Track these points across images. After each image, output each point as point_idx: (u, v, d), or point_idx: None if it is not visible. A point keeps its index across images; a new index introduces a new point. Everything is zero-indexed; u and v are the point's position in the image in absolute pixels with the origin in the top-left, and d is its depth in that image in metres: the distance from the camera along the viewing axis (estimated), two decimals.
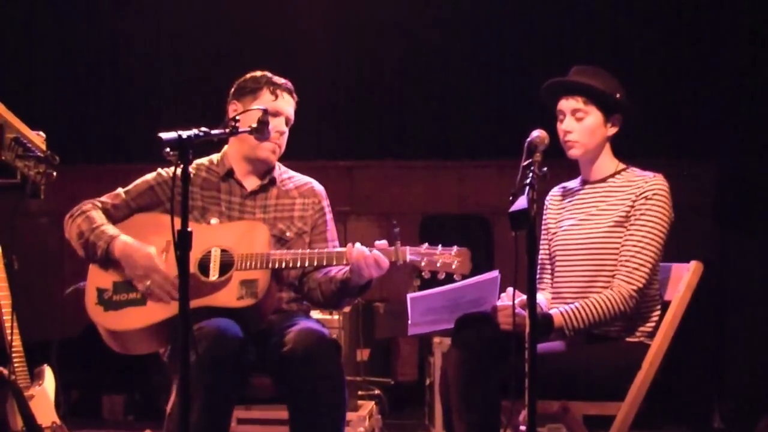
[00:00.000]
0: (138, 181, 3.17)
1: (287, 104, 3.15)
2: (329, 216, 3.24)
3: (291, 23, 6.35)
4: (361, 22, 6.36)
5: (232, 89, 3.20)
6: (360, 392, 4.68)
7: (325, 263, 2.94)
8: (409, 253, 2.85)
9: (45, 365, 3.46)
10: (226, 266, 2.94)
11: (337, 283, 3.00)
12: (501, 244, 5.78)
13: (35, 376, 3.42)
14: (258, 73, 3.17)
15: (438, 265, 2.83)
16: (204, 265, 2.95)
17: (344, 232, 5.22)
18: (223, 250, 2.96)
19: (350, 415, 3.92)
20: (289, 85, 3.19)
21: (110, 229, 3.04)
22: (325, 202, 3.24)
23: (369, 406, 4.48)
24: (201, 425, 2.67)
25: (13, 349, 3.23)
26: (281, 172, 3.24)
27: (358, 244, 2.89)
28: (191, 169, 3.08)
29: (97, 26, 6.31)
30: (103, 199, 3.15)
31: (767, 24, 5.70)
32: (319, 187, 3.26)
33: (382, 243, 2.89)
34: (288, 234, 3.12)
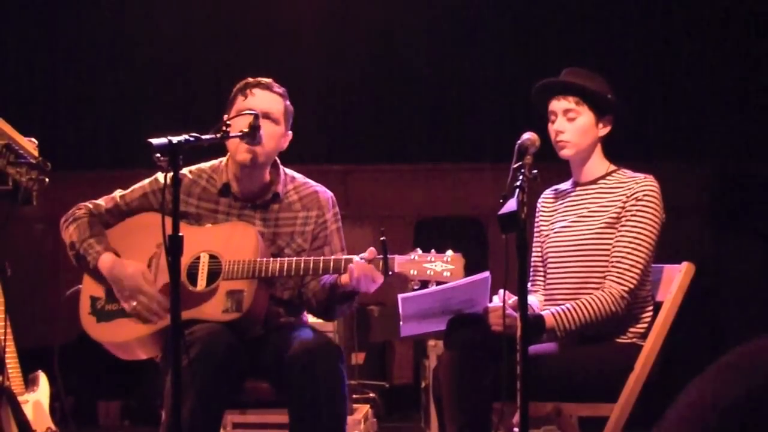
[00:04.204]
0: (135, 186, 3.16)
1: (260, 100, 3.01)
2: (333, 227, 3.14)
3: (286, 27, 6.36)
4: (356, 26, 6.38)
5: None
6: (355, 395, 4.68)
7: (311, 271, 2.88)
8: (397, 265, 2.77)
9: (39, 371, 3.45)
10: (213, 274, 2.91)
11: (327, 291, 2.97)
12: (496, 247, 5.78)
13: (30, 382, 3.41)
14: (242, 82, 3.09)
15: (429, 274, 2.75)
16: (192, 273, 2.92)
17: None
18: (211, 256, 2.93)
19: None
20: (265, 80, 3.07)
21: (97, 243, 3.02)
22: (330, 213, 3.13)
23: (364, 409, 4.48)
24: (191, 428, 2.67)
25: (7, 355, 3.23)
26: (286, 180, 3.14)
27: (356, 258, 2.82)
28: (190, 175, 3.10)
29: (91, 33, 6.31)
30: (99, 202, 3.14)
31: (761, 25, 5.71)
32: (325, 196, 3.15)
33: (371, 252, 2.80)
34: (287, 251, 3.06)
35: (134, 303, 2.94)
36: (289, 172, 3.18)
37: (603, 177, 3.06)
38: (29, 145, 2.96)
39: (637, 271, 2.89)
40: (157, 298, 2.92)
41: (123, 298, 2.96)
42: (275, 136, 3.03)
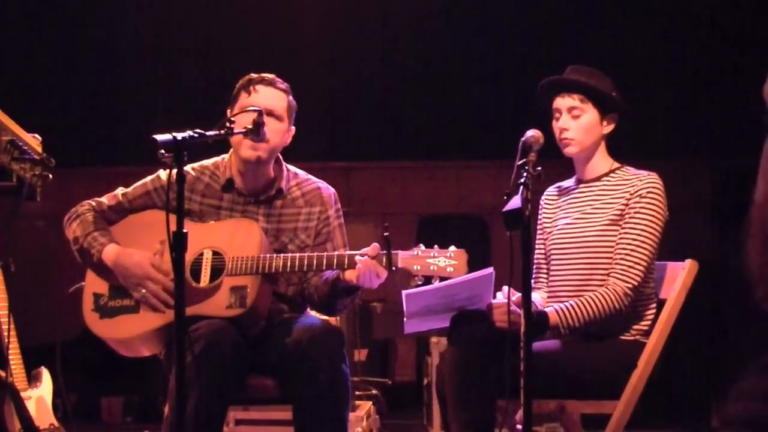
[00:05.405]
0: (138, 184, 3.17)
1: (263, 97, 3.02)
2: (336, 223, 3.16)
3: (288, 25, 6.36)
4: (358, 23, 6.38)
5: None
6: (358, 392, 4.69)
7: (315, 267, 2.88)
8: (401, 261, 2.78)
9: (42, 367, 3.46)
10: (217, 270, 2.92)
11: (329, 285, 2.97)
12: (498, 245, 5.79)
13: (33, 378, 3.41)
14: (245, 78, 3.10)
15: (432, 269, 2.76)
16: (196, 269, 2.92)
17: None
18: (215, 253, 2.94)
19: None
20: (268, 77, 3.07)
21: (101, 236, 3.04)
22: (332, 210, 3.15)
23: (367, 406, 4.48)
24: (195, 424, 2.68)
25: (10, 351, 3.23)
26: (289, 176, 3.15)
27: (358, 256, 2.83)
28: (193, 171, 3.10)
29: (94, 29, 6.32)
30: (102, 199, 3.15)
31: (761, 23, 5.71)
32: (327, 192, 3.17)
33: (374, 247, 2.81)
34: (290, 247, 3.07)
35: (143, 290, 2.95)
36: (292, 168, 3.20)
37: (606, 174, 3.06)
38: (33, 141, 2.96)
39: (641, 268, 2.89)
40: (166, 284, 2.93)
41: (130, 287, 2.97)
42: (279, 132, 3.04)
